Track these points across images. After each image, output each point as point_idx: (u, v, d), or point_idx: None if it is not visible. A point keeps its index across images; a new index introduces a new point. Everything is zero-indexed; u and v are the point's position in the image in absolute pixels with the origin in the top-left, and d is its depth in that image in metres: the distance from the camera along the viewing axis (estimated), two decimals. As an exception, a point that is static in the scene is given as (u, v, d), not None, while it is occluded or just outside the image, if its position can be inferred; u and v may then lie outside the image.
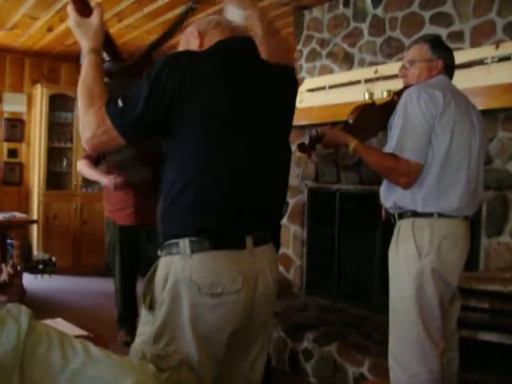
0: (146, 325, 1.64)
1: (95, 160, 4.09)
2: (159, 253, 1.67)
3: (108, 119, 1.57)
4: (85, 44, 1.74)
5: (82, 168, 4.16)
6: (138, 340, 1.65)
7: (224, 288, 1.57)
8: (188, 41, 1.81)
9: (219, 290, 1.56)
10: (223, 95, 1.60)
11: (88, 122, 1.59)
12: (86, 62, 1.71)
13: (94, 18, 1.74)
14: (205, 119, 1.58)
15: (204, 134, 1.58)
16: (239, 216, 1.64)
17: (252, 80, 1.69)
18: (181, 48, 1.85)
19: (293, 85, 1.90)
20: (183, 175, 1.59)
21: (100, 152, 3.84)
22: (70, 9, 1.74)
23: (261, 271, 1.67)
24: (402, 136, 2.25)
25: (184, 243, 1.57)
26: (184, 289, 1.56)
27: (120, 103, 1.57)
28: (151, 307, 1.64)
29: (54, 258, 6.08)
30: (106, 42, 1.81)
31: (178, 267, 1.57)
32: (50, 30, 5.68)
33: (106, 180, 3.91)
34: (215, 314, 1.57)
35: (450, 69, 2.44)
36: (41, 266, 5.92)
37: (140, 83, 1.57)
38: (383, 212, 2.62)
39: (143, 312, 1.67)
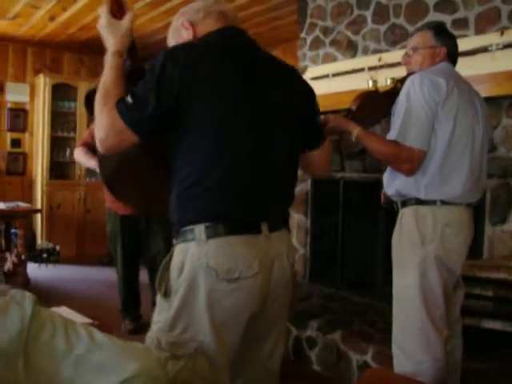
0: (162, 312, 1.64)
1: (93, 147, 4.10)
2: (174, 241, 1.66)
3: (119, 118, 1.55)
4: (110, 45, 1.71)
5: (79, 155, 4.17)
6: (153, 327, 1.65)
7: (241, 273, 1.57)
8: (179, 32, 1.79)
9: (236, 274, 1.56)
10: (228, 84, 1.60)
11: (101, 123, 1.58)
12: (108, 64, 1.69)
13: (126, 21, 1.73)
14: (214, 110, 1.58)
15: (215, 124, 1.58)
16: (254, 202, 1.64)
17: (255, 69, 1.68)
18: (171, 41, 1.83)
19: (299, 80, 1.88)
20: (196, 164, 1.59)
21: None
22: (104, 9, 1.73)
23: (277, 256, 1.67)
24: (404, 123, 2.24)
25: (200, 229, 1.57)
26: (201, 275, 1.56)
27: (129, 100, 1.55)
28: (166, 294, 1.63)
29: (57, 247, 6.11)
30: (131, 47, 1.79)
31: (195, 253, 1.57)
32: (52, 19, 5.67)
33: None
34: (232, 299, 1.57)
35: (453, 56, 2.42)
36: (45, 255, 5.94)
37: (145, 79, 1.57)
38: (382, 197, 2.62)
39: (158, 300, 1.67)
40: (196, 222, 1.58)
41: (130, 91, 1.57)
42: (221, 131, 1.59)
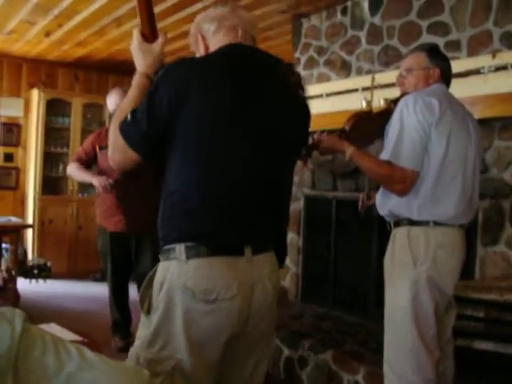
0: (143, 328, 1.65)
1: (86, 163, 4.12)
2: (160, 257, 1.66)
3: (120, 135, 1.59)
4: (140, 67, 1.75)
5: (73, 170, 4.21)
6: (137, 342, 1.66)
7: (218, 294, 1.56)
8: (196, 42, 1.81)
9: (213, 296, 1.55)
10: (215, 107, 1.59)
11: (109, 139, 1.64)
12: (135, 83, 1.72)
13: (157, 46, 1.77)
14: (202, 130, 1.58)
15: (199, 147, 1.58)
16: (237, 225, 1.63)
17: (250, 91, 1.66)
18: (193, 46, 1.85)
19: (300, 103, 1.88)
20: (181, 184, 1.59)
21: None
22: (137, 32, 1.78)
23: (259, 279, 1.66)
24: (397, 143, 2.25)
25: (180, 248, 1.57)
26: (178, 294, 1.56)
27: (129, 118, 1.59)
28: (148, 311, 1.63)
29: (49, 263, 6.07)
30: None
31: (174, 273, 1.57)
32: (47, 35, 5.69)
33: (95, 180, 3.95)
34: (209, 321, 1.57)
35: (447, 77, 2.45)
36: (36, 271, 5.91)
37: (143, 99, 1.60)
38: (360, 203, 2.63)
39: (142, 316, 1.67)
40: (178, 240, 1.59)
41: (132, 110, 1.60)
42: (206, 154, 1.59)
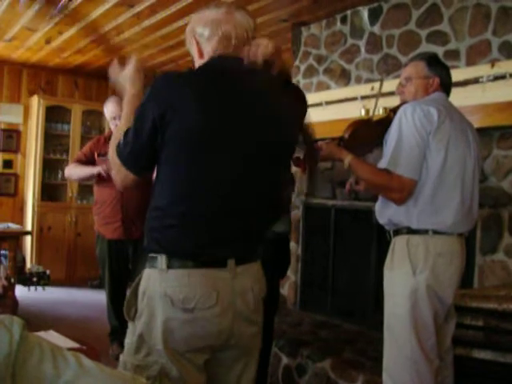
0: (129, 335, 1.67)
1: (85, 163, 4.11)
2: (145, 265, 1.68)
3: (116, 156, 1.65)
4: (127, 91, 1.81)
5: (71, 168, 4.20)
6: (124, 349, 1.68)
7: (197, 303, 1.56)
8: (191, 44, 1.79)
9: (192, 304, 1.56)
10: (201, 124, 1.57)
11: (110, 161, 1.71)
12: (130, 106, 1.76)
13: (129, 69, 1.83)
14: (184, 147, 1.58)
15: (182, 162, 1.59)
16: (220, 240, 1.64)
17: (236, 104, 1.64)
18: (187, 43, 1.82)
19: (289, 114, 1.84)
20: (164, 198, 1.61)
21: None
22: (134, 63, 1.84)
23: (242, 290, 1.66)
24: (395, 152, 2.26)
25: (162, 258, 1.59)
26: (158, 302, 1.57)
27: (121, 138, 1.64)
28: (132, 317, 1.65)
29: (48, 272, 6.05)
30: None
31: (155, 281, 1.59)
32: (48, 42, 5.71)
33: (98, 168, 3.93)
34: (188, 329, 1.57)
35: (446, 86, 2.45)
36: (35, 279, 5.89)
37: (134, 117, 1.64)
38: (348, 186, 2.64)
39: (128, 323, 1.69)
40: (161, 251, 1.60)
41: (125, 129, 1.64)
42: (192, 170, 1.59)
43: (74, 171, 4.20)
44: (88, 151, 4.14)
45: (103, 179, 3.94)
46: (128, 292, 1.70)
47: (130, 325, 1.68)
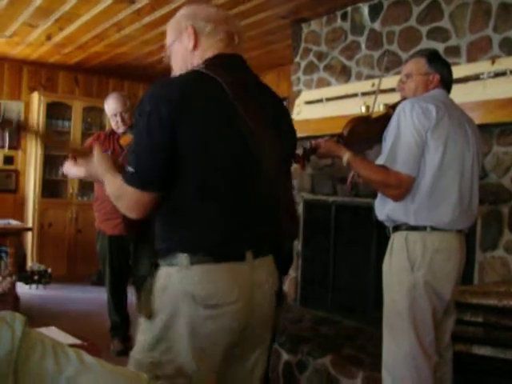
0: (144, 332, 1.64)
1: None
2: (160, 262, 1.66)
3: (130, 188, 1.59)
4: (102, 173, 1.79)
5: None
6: (136, 347, 1.66)
7: (220, 299, 1.57)
8: (181, 35, 1.75)
9: (215, 301, 1.56)
10: (215, 122, 1.60)
11: (122, 205, 1.66)
12: (111, 179, 1.74)
13: (96, 157, 1.83)
14: (203, 146, 1.57)
15: (202, 160, 1.58)
16: (238, 233, 1.64)
17: (246, 103, 1.66)
18: (171, 37, 1.79)
19: (287, 114, 1.91)
20: (181, 197, 1.60)
21: None
22: (96, 153, 1.85)
23: (259, 283, 1.67)
24: (393, 148, 2.26)
25: (182, 256, 1.58)
26: (181, 300, 1.57)
27: (131, 169, 1.59)
28: (150, 316, 1.63)
29: (49, 270, 6.05)
30: None
31: (177, 279, 1.58)
32: (48, 38, 5.71)
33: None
34: (211, 326, 1.57)
35: (447, 83, 2.45)
36: (36, 277, 5.89)
37: (135, 139, 1.62)
38: (349, 179, 2.64)
39: (142, 320, 1.67)
40: (179, 249, 1.59)
41: (128, 162, 1.61)
42: (207, 169, 1.59)
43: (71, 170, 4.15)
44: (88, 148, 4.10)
45: None
46: (142, 291, 1.68)
47: (143, 323, 1.66)
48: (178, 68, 1.76)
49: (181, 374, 1.56)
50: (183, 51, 1.75)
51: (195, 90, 1.59)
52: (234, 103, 1.62)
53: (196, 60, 1.73)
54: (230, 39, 1.75)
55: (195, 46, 1.73)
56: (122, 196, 1.64)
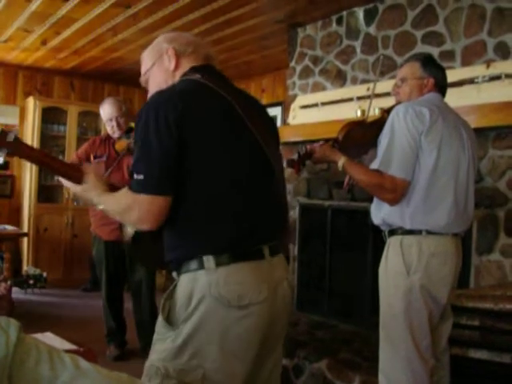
0: (166, 340, 1.62)
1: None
2: (174, 271, 1.68)
3: (142, 196, 1.58)
4: (97, 198, 1.78)
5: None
6: (157, 356, 1.63)
7: (251, 299, 1.59)
8: (161, 58, 1.83)
9: (246, 301, 1.58)
10: (223, 129, 1.64)
11: (132, 217, 1.62)
12: (105, 202, 1.75)
13: (89, 178, 1.81)
14: (207, 149, 1.60)
15: (214, 166, 1.61)
16: (255, 230, 1.67)
17: (239, 105, 1.71)
18: (148, 62, 1.86)
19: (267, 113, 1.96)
20: (197, 201, 1.61)
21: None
22: (73, 187, 1.86)
23: (279, 280, 1.71)
24: (387, 152, 2.26)
25: (208, 259, 1.58)
26: (212, 303, 1.57)
27: (139, 177, 1.57)
28: (171, 323, 1.63)
29: (44, 274, 6.03)
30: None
31: (204, 283, 1.58)
32: (44, 43, 5.70)
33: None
34: (244, 326, 1.59)
35: (441, 86, 2.46)
36: (31, 282, 5.88)
37: (141, 148, 1.59)
38: (347, 180, 2.64)
39: (161, 329, 1.66)
40: (203, 252, 1.59)
41: (131, 172, 1.60)
42: (219, 171, 1.61)
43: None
44: (83, 154, 4.08)
45: (100, 166, 3.89)
46: (162, 300, 1.67)
47: (164, 332, 1.64)
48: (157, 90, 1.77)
49: (208, 378, 1.56)
50: (163, 73, 1.83)
51: (199, 93, 1.65)
52: (235, 106, 1.68)
53: (176, 80, 1.79)
54: (209, 59, 1.85)
55: (176, 67, 1.81)
56: (131, 207, 1.60)
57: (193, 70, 1.77)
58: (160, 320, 1.66)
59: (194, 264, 1.60)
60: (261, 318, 1.61)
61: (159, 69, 1.83)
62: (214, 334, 1.57)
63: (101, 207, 1.76)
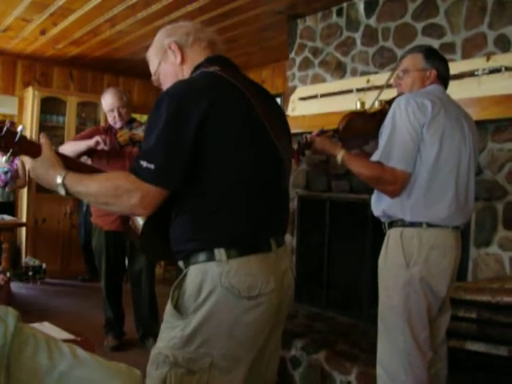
0: (175, 329, 1.64)
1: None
2: (182, 263, 1.69)
3: (147, 185, 1.55)
4: (54, 176, 1.70)
5: (64, 146, 4.04)
6: (165, 344, 1.64)
7: (260, 289, 1.62)
8: (165, 54, 1.83)
9: (256, 291, 1.61)
10: (241, 122, 1.65)
11: (129, 202, 1.57)
12: (69, 186, 1.70)
13: (46, 151, 1.72)
14: (230, 146, 1.62)
15: (230, 161, 1.62)
16: (266, 224, 1.70)
17: (253, 97, 1.72)
18: (154, 60, 1.87)
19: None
20: (207, 195, 1.62)
21: None
22: (28, 161, 1.74)
23: (285, 270, 1.75)
24: (388, 144, 2.26)
25: (219, 251, 1.60)
26: (222, 294, 1.59)
27: (149, 165, 1.54)
28: (180, 312, 1.64)
29: (44, 265, 6.02)
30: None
31: (215, 274, 1.60)
32: (42, 32, 5.68)
33: (94, 140, 3.78)
34: (252, 315, 1.62)
35: (443, 78, 2.45)
36: (30, 273, 5.87)
37: (154, 131, 1.56)
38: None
39: (169, 318, 1.67)
40: (214, 245, 1.61)
41: (140, 158, 1.56)
42: (231, 166, 1.63)
43: (67, 146, 3.97)
44: (87, 135, 3.96)
45: (102, 154, 3.88)
46: (174, 290, 1.67)
47: (173, 320, 1.65)
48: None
49: (216, 366, 1.60)
50: (172, 68, 1.84)
51: (221, 91, 1.65)
52: (251, 101, 1.69)
53: (186, 73, 1.80)
54: (213, 44, 1.85)
55: (183, 60, 1.82)
56: (130, 193, 1.56)
57: (209, 61, 1.77)
58: (169, 309, 1.67)
59: (203, 256, 1.62)
60: (269, 308, 1.65)
61: (167, 65, 1.84)
62: (224, 324, 1.60)
63: (73, 190, 1.69)
